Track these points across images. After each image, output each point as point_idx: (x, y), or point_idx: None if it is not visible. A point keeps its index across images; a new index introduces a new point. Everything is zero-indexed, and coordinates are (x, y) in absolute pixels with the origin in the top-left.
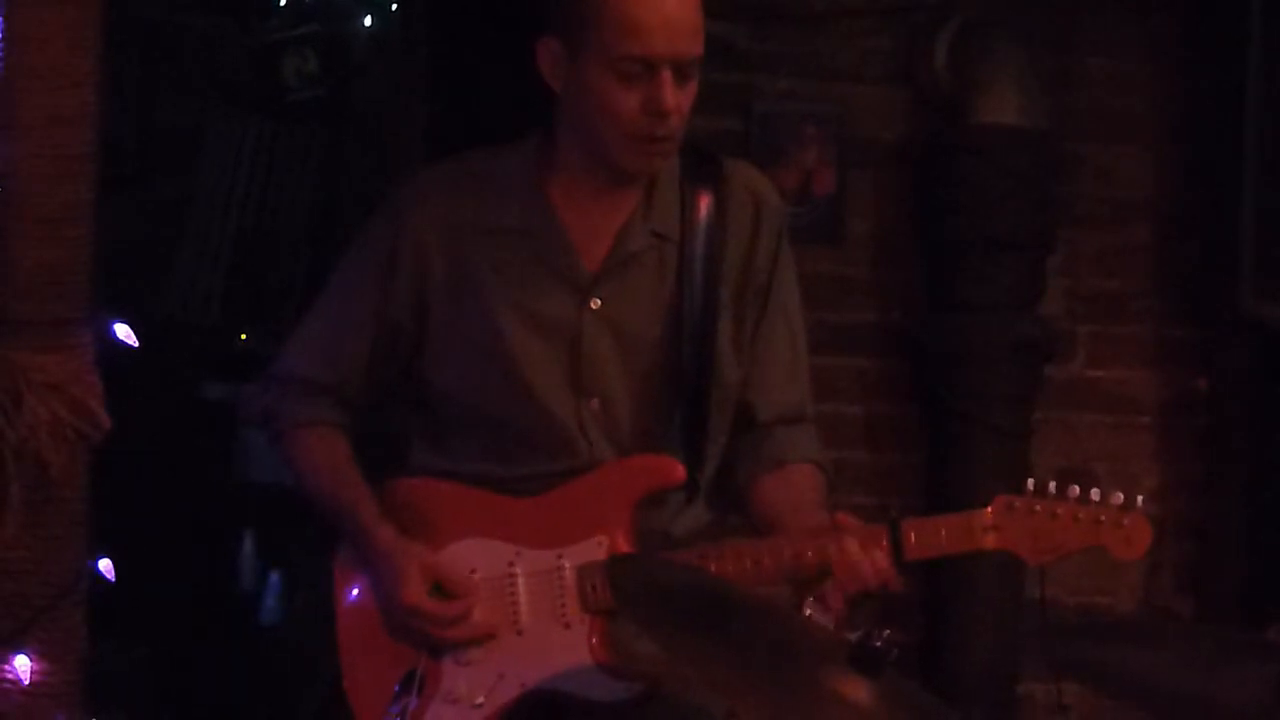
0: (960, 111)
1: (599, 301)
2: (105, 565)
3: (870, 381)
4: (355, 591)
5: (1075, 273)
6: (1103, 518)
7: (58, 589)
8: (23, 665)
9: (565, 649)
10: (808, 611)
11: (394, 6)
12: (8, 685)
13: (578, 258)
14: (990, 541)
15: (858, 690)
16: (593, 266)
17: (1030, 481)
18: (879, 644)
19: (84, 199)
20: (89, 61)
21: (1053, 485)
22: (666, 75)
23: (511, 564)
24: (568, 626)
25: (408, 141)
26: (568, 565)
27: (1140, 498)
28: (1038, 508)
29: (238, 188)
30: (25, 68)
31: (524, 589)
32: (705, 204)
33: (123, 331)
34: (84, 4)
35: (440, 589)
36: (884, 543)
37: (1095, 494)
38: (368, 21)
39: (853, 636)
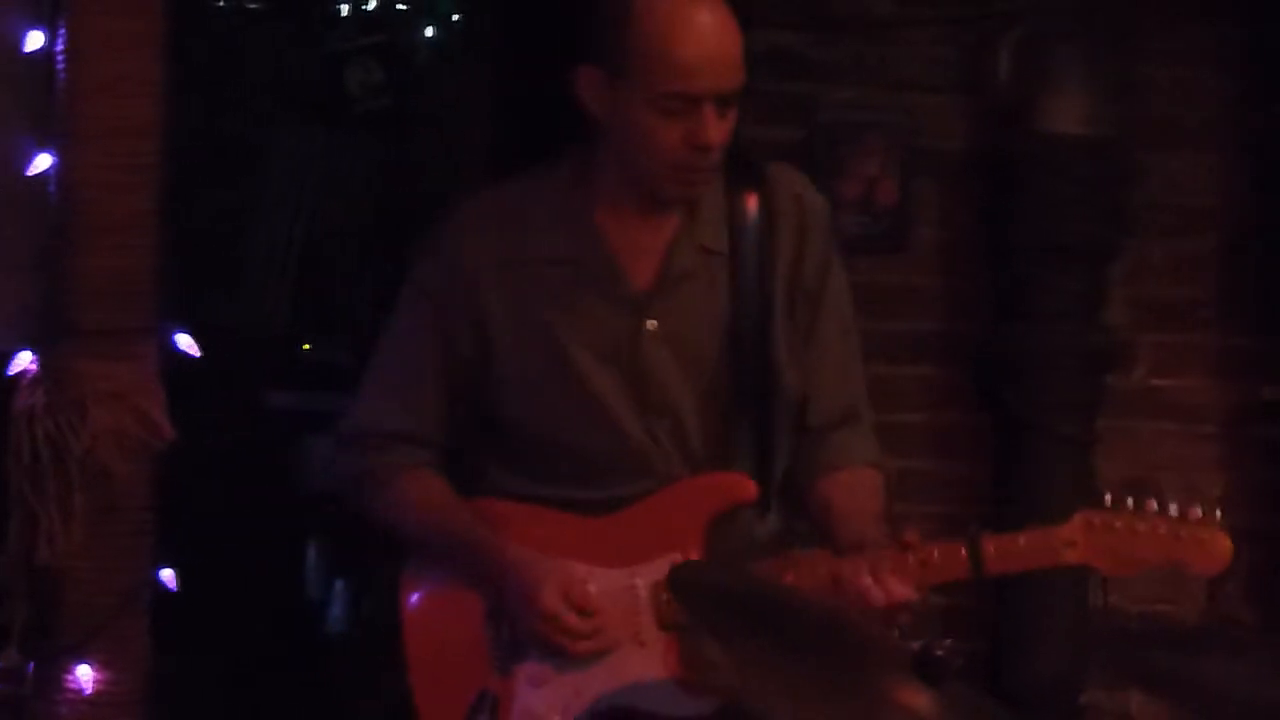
0: (1025, 120)
1: (654, 322)
2: (168, 575)
3: (935, 390)
4: (425, 607)
5: (1139, 281)
6: (1183, 533)
7: (121, 598)
8: (85, 675)
9: (641, 666)
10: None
11: (456, 17)
12: (71, 694)
13: (628, 280)
14: (1071, 557)
15: (921, 699)
16: (643, 287)
17: (1108, 497)
18: (942, 653)
19: (148, 208)
20: (153, 71)
21: (1130, 500)
22: (709, 110)
23: (585, 583)
24: (643, 644)
25: (472, 151)
26: (641, 584)
27: (1219, 512)
28: (1118, 524)
29: (303, 197)
30: (89, 78)
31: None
32: (752, 215)
33: (185, 341)
34: (147, 14)
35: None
36: (961, 556)
37: (1174, 509)
38: (430, 32)
39: (916, 645)
